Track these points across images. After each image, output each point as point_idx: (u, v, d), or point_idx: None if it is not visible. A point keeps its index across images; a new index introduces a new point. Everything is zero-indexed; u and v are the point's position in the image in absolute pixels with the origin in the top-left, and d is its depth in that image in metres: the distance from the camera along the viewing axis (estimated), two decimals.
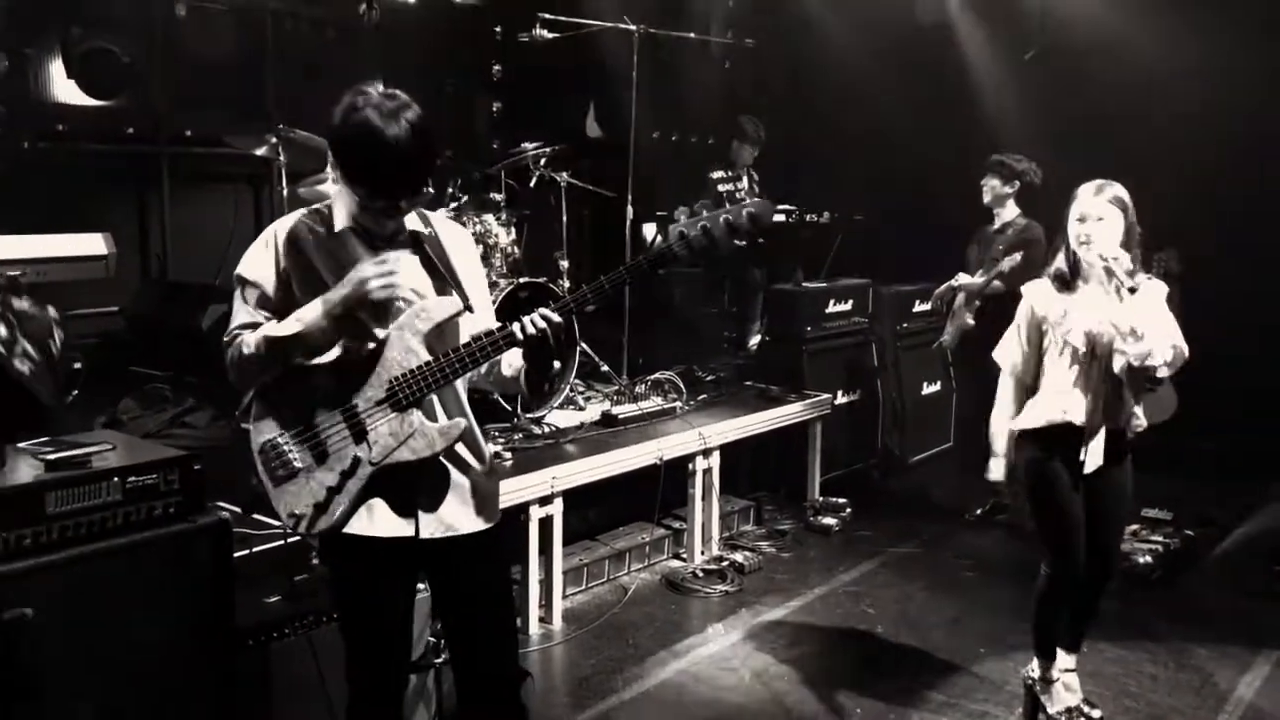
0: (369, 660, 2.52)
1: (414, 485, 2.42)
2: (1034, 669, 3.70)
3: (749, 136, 7.35)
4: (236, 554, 3.12)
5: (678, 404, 5.51)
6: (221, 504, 3.58)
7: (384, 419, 2.38)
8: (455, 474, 2.48)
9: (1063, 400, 3.41)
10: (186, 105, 6.24)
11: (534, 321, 2.36)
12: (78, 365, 5.70)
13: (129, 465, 2.61)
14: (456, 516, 2.47)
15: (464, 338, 2.44)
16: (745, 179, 7.49)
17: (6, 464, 2.53)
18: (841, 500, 5.89)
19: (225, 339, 2.43)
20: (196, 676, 2.73)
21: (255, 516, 3.63)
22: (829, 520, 5.71)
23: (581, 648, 4.30)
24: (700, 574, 5.00)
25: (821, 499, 5.94)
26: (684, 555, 5.23)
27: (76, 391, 5.42)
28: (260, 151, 5.44)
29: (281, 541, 3.45)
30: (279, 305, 2.41)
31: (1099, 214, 3.39)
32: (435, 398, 2.45)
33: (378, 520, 2.41)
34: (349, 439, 2.38)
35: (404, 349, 2.38)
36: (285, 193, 5.45)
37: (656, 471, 4.90)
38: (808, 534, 5.65)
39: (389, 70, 6.67)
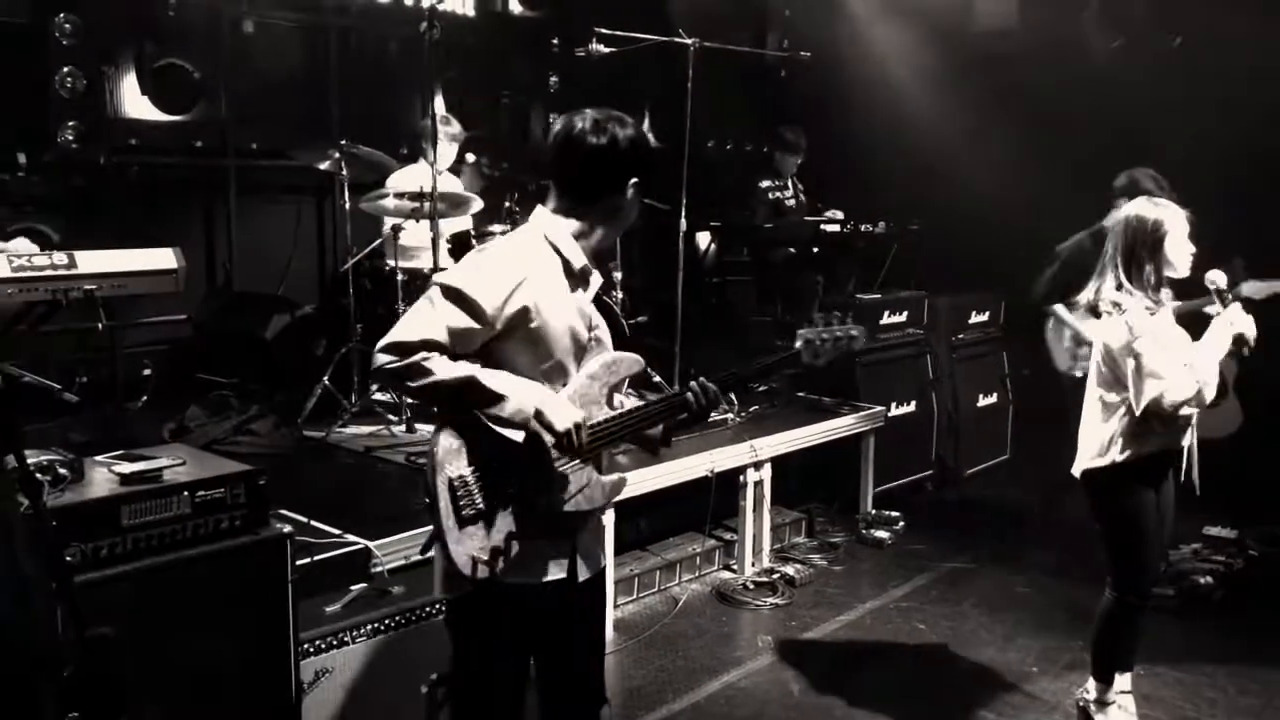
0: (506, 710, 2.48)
1: (573, 528, 2.43)
2: (1090, 690, 3.67)
3: (790, 145, 7.39)
4: (298, 563, 3.22)
5: (729, 415, 5.53)
6: (284, 511, 3.70)
7: (570, 468, 2.36)
8: (594, 514, 2.52)
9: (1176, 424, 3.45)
10: (253, 119, 6.42)
11: (707, 392, 2.46)
12: (147, 372, 5.92)
13: (198, 480, 2.71)
14: (599, 554, 2.55)
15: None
16: (791, 187, 7.52)
17: (85, 477, 2.64)
18: (895, 513, 5.88)
19: (400, 346, 2.23)
20: (260, 685, 2.83)
21: (315, 524, 3.73)
22: (881, 533, 5.69)
23: (632, 658, 4.35)
24: (751, 586, 5.02)
25: (874, 512, 5.92)
26: (735, 567, 5.25)
27: (146, 397, 5.64)
28: (323, 165, 5.60)
29: (342, 550, 3.55)
30: (476, 342, 2.29)
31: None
32: None
33: (538, 565, 2.38)
34: (534, 484, 2.33)
35: (592, 399, 2.40)
36: (348, 206, 5.60)
37: (708, 482, 4.94)
38: (860, 547, 5.64)
39: (449, 84, 6.84)
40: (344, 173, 5.52)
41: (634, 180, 2.40)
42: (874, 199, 7.72)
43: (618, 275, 5.91)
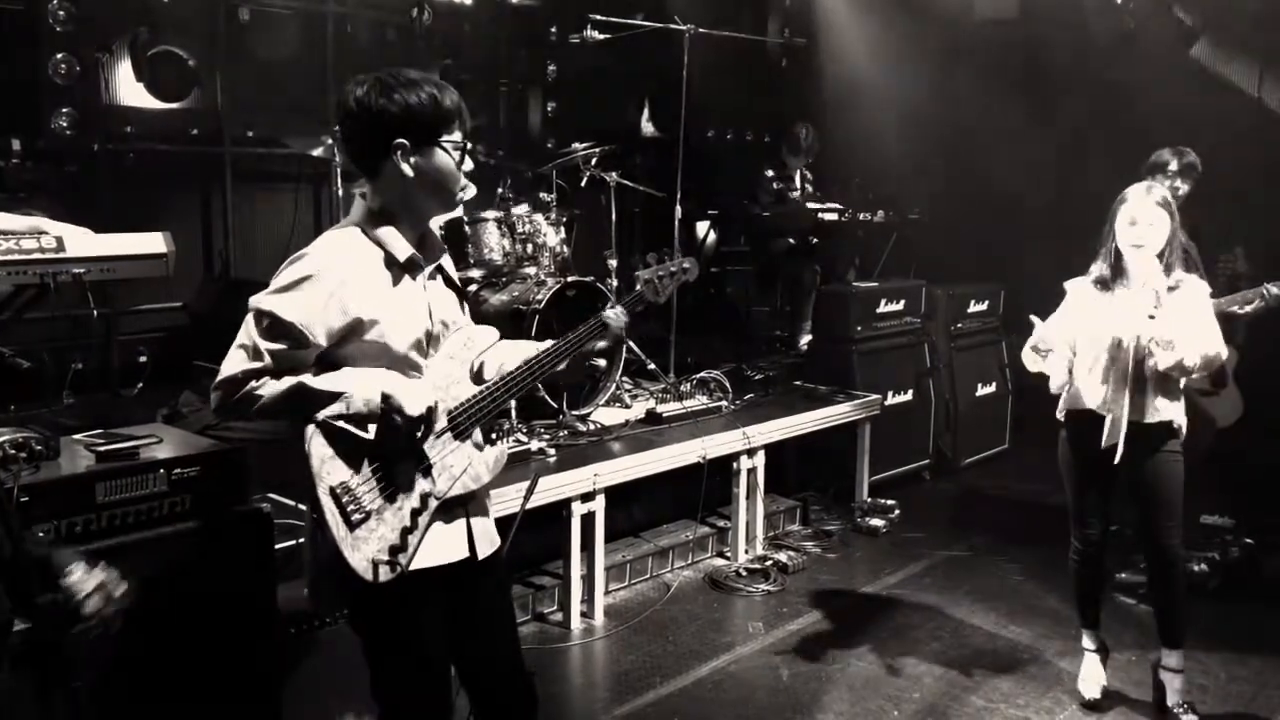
0: (428, 702, 2.40)
1: (463, 506, 2.39)
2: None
3: (800, 147, 7.39)
4: (285, 544, 3.23)
5: (723, 403, 5.52)
6: (274, 495, 3.70)
7: (447, 451, 2.32)
8: (481, 489, 2.47)
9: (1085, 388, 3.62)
10: (249, 107, 6.41)
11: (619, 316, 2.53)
12: (143, 359, 5.93)
13: (174, 457, 2.71)
14: (492, 531, 2.50)
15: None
16: (798, 178, 7.50)
17: (61, 454, 2.64)
18: (890, 502, 5.86)
19: (227, 383, 2.16)
20: (239, 663, 2.82)
21: (301, 507, 3.72)
22: (877, 522, 5.67)
23: (622, 643, 4.34)
24: (743, 573, 5.01)
25: (870, 500, 5.90)
26: (728, 554, 5.24)
27: (141, 384, 5.64)
28: (317, 152, 5.59)
29: None
30: (308, 360, 2.20)
31: (1150, 219, 3.42)
32: None
33: (438, 547, 2.32)
34: (416, 474, 2.28)
35: (455, 379, 2.36)
36: (340, 193, 5.60)
37: (701, 469, 4.92)
38: (855, 535, 5.62)
39: (446, 72, 6.82)
40: (337, 159, 5.51)
41: (398, 142, 2.21)
42: (874, 188, 7.71)
43: (613, 263, 5.90)
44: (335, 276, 2.18)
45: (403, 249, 2.28)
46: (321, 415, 2.15)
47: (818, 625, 4.51)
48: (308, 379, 2.17)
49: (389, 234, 2.27)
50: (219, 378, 2.17)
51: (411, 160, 2.23)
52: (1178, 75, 6.64)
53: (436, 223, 5.23)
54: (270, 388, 2.15)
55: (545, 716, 2.64)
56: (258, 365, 2.15)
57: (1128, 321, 3.45)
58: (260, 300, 2.17)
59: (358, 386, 2.17)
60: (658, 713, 3.78)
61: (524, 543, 4.20)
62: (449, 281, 2.44)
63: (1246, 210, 5.90)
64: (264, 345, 2.14)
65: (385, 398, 2.17)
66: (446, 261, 2.45)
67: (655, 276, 2.68)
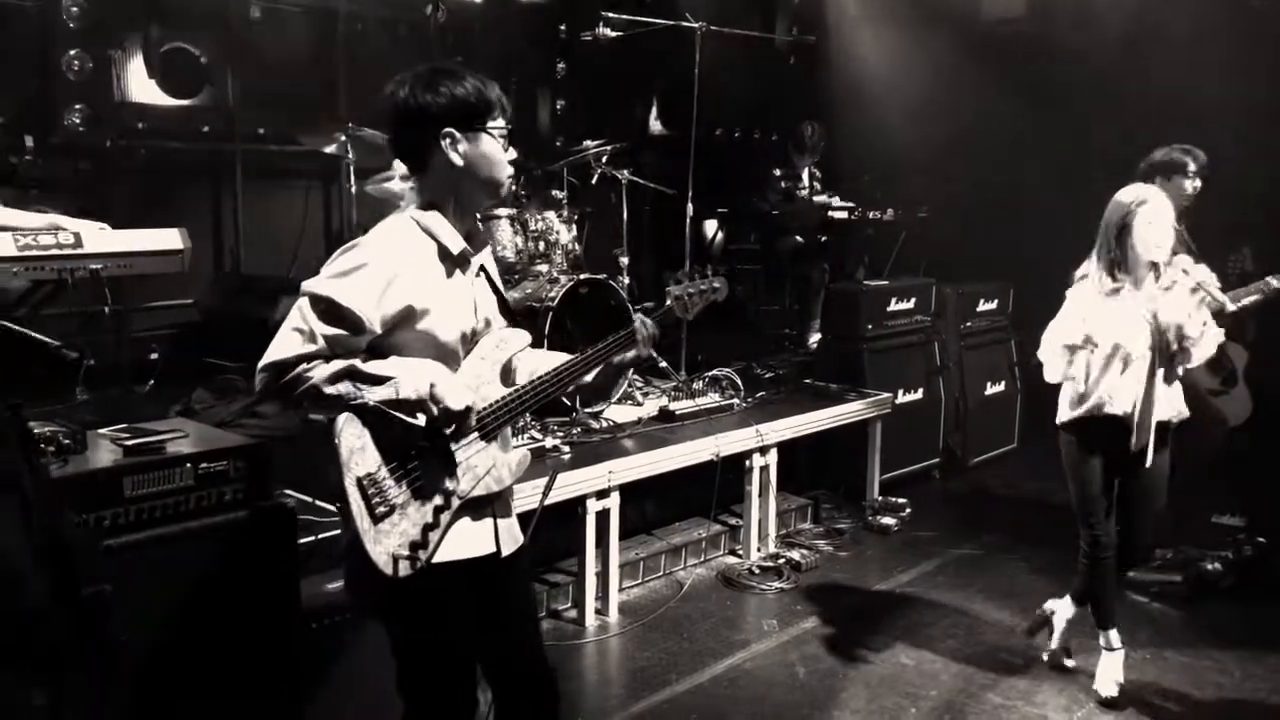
0: (455, 697, 2.42)
1: (490, 505, 2.40)
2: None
3: (805, 146, 7.41)
4: (302, 540, 3.23)
5: (735, 401, 5.52)
6: (289, 491, 3.71)
7: (473, 451, 2.33)
8: (506, 490, 2.48)
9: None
10: (260, 104, 6.41)
11: (647, 325, 2.52)
12: (155, 355, 5.93)
13: (201, 452, 2.71)
14: (515, 530, 2.51)
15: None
16: (805, 176, 7.51)
17: (88, 448, 2.64)
18: (901, 500, 5.86)
19: (276, 366, 2.16)
20: (262, 656, 2.83)
21: (319, 504, 3.73)
22: (888, 520, 5.68)
23: (636, 640, 4.34)
24: (756, 570, 5.01)
25: (881, 499, 5.90)
26: (740, 552, 5.24)
27: (153, 381, 5.64)
28: (329, 149, 5.59)
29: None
30: (359, 346, 2.22)
31: (1168, 217, 3.45)
32: None
33: (462, 542, 2.33)
34: (441, 472, 2.29)
35: (485, 380, 2.36)
36: (354, 190, 5.60)
37: (714, 467, 4.92)
38: (866, 533, 5.62)
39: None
40: (350, 156, 5.52)
41: (446, 130, 2.24)
42: (882, 186, 7.70)
43: (624, 260, 5.91)
44: (391, 264, 2.20)
45: (455, 241, 2.30)
46: (374, 399, 2.15)
47: (832, 623, 4.51)
48: (358, 363, 2.18)
49: (441, 226, 2.29)
50: (267, 360, 2.16)
51: (460, 149, 2.26)
52: (1186, 74, 6.63)
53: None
54: (321, 371, 2.15)
55: (561, 713, 2.64)
56: (311, 349, 2.15)
57: (1166, 316, 3.47)
58: (317, 285, 2.17)
59: (406, 373, 2.18)
60: (674, 710, 3.79)
61: (538, 540, 4.20)
62: (491, 282, 2.44)
63: (1254, 210, 5.90)
64: (320, 330, 2.15)
65: (432, 386, 2.18)
66: (490, 264, 2.46)
67: (686, 293, 2.65)
